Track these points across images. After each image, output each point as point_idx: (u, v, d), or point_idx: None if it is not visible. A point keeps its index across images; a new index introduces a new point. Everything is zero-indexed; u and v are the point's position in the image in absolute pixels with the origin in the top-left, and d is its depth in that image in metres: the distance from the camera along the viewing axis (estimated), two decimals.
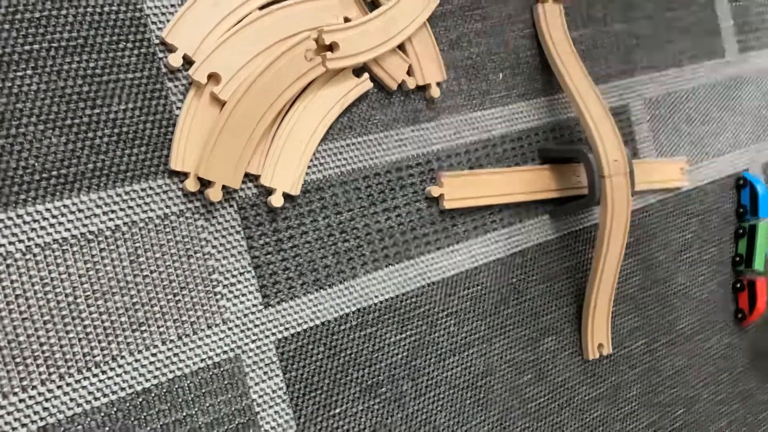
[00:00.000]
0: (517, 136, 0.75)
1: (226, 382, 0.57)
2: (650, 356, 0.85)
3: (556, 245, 0.78)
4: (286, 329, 0.60)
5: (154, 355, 0.54)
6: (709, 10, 0.96)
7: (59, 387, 0.50)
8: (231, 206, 0.58)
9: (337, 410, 0.62)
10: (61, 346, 0.50)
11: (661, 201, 0.87)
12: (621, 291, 0.83)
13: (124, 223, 0.54)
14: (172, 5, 0.56)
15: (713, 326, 0.92)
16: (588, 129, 0.71)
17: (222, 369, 0.57)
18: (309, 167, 0.62)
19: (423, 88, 0.68)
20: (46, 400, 0.49)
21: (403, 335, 0.67)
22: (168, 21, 0.56)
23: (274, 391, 0.59)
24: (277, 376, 0.59)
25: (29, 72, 0.51)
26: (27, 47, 0.51)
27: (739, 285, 0.94)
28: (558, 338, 0.77)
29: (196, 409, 0.56)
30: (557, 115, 0.79)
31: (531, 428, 0.74)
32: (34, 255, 0.50)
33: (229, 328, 0.58)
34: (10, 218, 0.49)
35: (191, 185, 0.55)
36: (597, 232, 0.74)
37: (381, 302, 0.65)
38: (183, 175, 0.56)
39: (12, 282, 0.49)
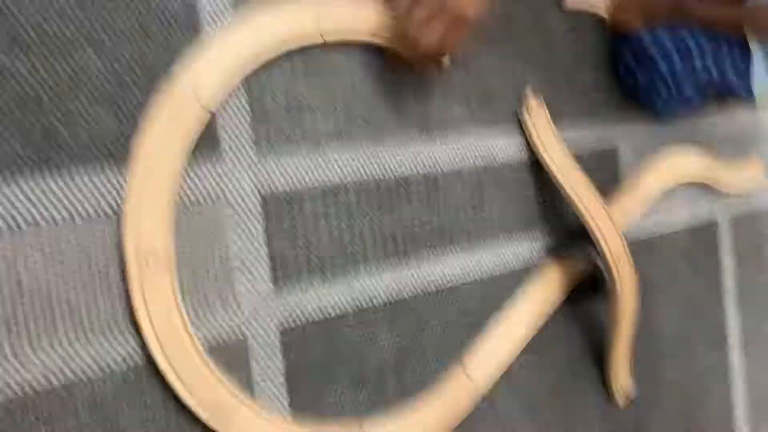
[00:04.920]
0: (523, 165, 0.82)
1: (231, 359, 0.61)
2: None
3: (540, 269, 0.84)
4: (292, 318, 0.65)
5: None
6: None
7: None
8: (256, 198, 0.63)
9: (329, 399, 0.67)
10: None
11: (631, 243, 0.95)
12: (589, 318, 0.90)
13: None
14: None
15: (668, 361, 1.00)
16: (592, 232, 0.80)
17: (229, 347, 0.61)
18: (328, 171, 0.67)
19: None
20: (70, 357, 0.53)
21: (395, 337, 0.72)
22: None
23: (273, 373, 0.64)
24: (278, 359, 0.64)
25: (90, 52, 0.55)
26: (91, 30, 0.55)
27: None
28: (536, 356, 0.83)
29: None
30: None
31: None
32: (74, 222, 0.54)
33: (240, 310, 0.62)
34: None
35: None
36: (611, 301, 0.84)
37: (378, 304, 0.70)
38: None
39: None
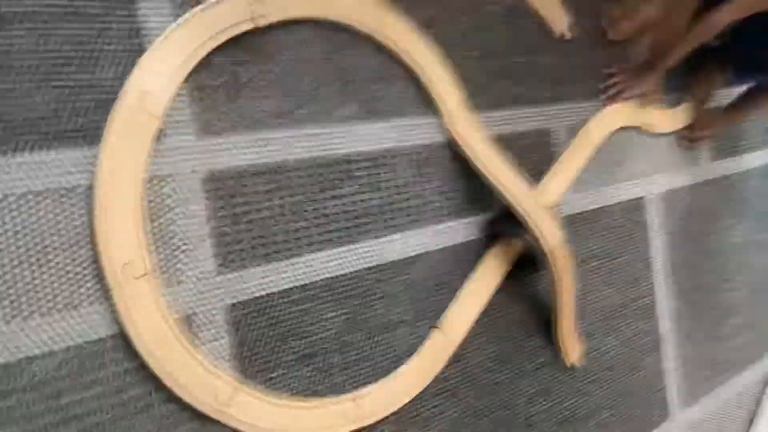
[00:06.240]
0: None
1: None
2: (549, 351, 0.96)
3: (479, 245, 0.87)
4: (236, 296, 0.66)
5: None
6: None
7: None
8: (197, 177, 0.63)
9: (274, 374, 0.68)
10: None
11: (570, 215, 0.99)
12: (528, 290, 0.93)
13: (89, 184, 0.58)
14: None
15: (603, 330, 1.05)
16: (526, 222, 0.83)
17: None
18: (269, 150, 0.68)
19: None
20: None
21: (338, 312, 0.73)
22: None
23: (219, 352, 0.64)
24: (224, 338, 0.65)
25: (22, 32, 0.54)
26: (22, 8, 0.54)
27: None
28: (482, 330, 0.86)
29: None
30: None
31: (443, 405, 0.82)
32: (9, 202, 0.53)
33: (184, 290, 0.62)
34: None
35: None
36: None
37: (322, 280, 0.72)
38: None
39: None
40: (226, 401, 0.61)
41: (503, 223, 0.88)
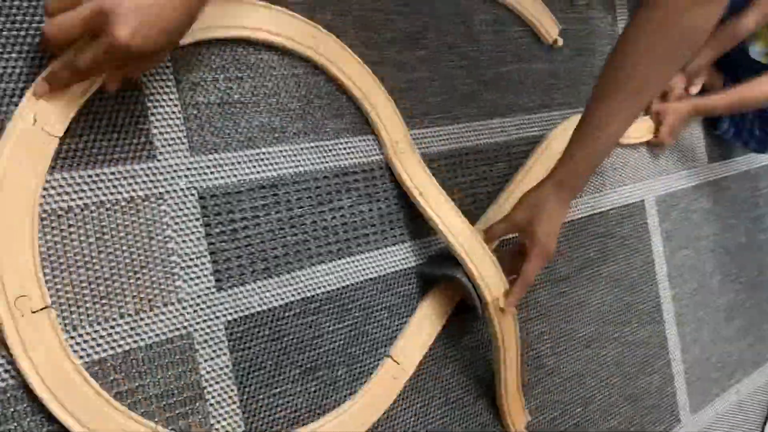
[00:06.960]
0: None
1: (177, 357, 0.61)
2: (555, 359, 0.95)
3: None
4: (236, 312, 0.65)
5: (112, 327, 0.58)
6: None
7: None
8: (192, 195, 0.63)
9: (278, 390, 0.67)
10: None
11: (567, 222, 0.99)
12: (530, 297, 0.93)
13: (93, 203, 0.57)
14: None
15: (608, 336, 1.04)
16: (468, 269, 0.74)
17: (174, 345, 0.61)
18: (264, 166, 0.68)
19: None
20: None
21: (341, 325, 0.73)
22: None
23: (221, 369, 0.64)
24: (224, 354, 0.64)
25: None
26: None
27: None
28: (475, 337, 0.85)
29: (148, 381, 0.59)
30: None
31: (451, 417, 0.82)
32: None
33: (183, 308, 0.62)
34: None
35: None
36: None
37: (323, 293, 0.72)
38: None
39: None
40: None
41: (443, 263, 0.78)
